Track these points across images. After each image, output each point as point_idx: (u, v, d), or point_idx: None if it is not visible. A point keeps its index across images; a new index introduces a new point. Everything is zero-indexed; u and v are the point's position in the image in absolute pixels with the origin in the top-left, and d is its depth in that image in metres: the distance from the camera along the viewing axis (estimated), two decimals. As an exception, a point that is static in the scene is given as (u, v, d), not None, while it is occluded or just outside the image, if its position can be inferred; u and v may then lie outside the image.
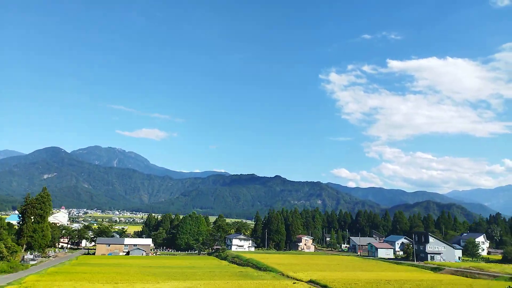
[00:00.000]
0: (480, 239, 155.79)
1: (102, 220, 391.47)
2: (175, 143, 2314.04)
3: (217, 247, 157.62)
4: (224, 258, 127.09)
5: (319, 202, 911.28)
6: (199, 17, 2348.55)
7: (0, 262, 74.72)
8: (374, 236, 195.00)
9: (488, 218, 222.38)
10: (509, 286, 61.58)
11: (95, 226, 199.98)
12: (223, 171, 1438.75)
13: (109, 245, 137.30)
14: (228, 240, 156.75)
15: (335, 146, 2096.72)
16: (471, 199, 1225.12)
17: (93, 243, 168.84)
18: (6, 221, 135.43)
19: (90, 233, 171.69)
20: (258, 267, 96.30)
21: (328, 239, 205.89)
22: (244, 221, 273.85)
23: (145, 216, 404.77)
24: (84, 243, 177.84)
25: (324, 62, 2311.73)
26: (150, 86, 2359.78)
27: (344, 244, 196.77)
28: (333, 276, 72.89)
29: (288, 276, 76.69)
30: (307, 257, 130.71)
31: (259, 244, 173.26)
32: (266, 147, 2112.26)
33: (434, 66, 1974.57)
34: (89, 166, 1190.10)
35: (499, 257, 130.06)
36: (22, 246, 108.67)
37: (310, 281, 68.29)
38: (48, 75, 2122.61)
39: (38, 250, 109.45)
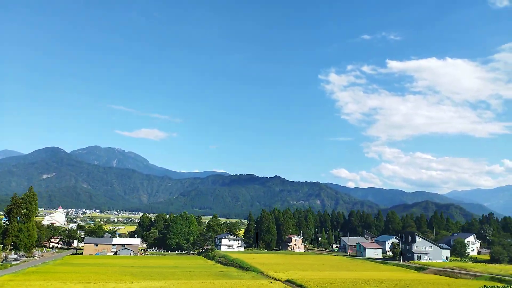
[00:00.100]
0: (470, 239, 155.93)
1: (100, 220, 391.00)
2: (174, 143, 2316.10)
3: (207, 247, 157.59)
4: (212, 258, 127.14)
5: (318, 202, 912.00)
6: (199, 17, 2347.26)
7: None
8: (366, 236, 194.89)
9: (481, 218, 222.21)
10: (485, 286, 61.45)
11: (92, 226, 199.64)
12: (222, 171, 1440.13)
13: (96, 245, 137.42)
14: (218, 240, 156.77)
15: (335, 146, 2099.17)
16: (470, 200, 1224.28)
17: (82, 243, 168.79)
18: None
19: (82, 233, 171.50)
20: (241, 266, 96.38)
21: (320, 239, 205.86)
22: (242, 221, 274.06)
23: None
24: (76, 243, 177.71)
25: (324, 62, 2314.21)
26: (149, 86, 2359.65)
27: (335, 244, 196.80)
28: (312, 276, 72.93)
29: (268, 276, 76.82)
30: (295, 257, 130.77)
31: (251, 244, 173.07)
32: (266, 147, 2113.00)
33: (434, 66, 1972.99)
34: (89, 166, 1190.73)
35: (488, 257, 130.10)
36: (8, 246, 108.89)
37: (287, 281, 68.42)
38: (48, 75, 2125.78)
39: (23, 250, 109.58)
